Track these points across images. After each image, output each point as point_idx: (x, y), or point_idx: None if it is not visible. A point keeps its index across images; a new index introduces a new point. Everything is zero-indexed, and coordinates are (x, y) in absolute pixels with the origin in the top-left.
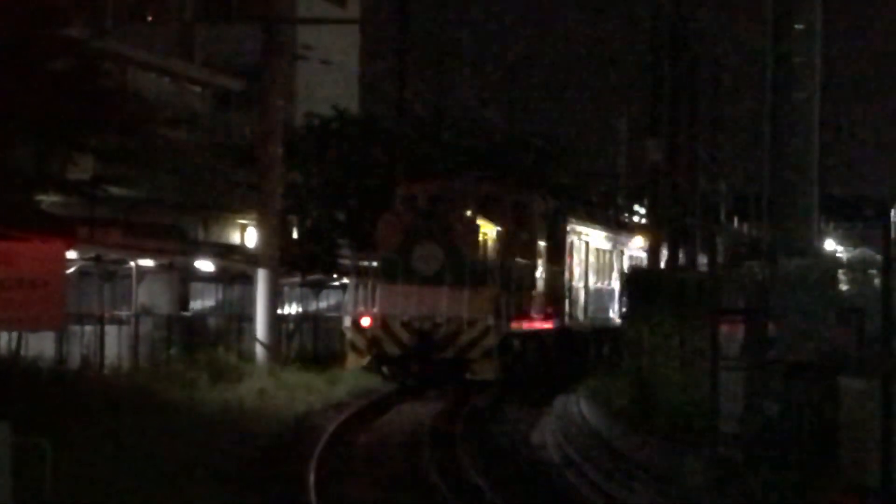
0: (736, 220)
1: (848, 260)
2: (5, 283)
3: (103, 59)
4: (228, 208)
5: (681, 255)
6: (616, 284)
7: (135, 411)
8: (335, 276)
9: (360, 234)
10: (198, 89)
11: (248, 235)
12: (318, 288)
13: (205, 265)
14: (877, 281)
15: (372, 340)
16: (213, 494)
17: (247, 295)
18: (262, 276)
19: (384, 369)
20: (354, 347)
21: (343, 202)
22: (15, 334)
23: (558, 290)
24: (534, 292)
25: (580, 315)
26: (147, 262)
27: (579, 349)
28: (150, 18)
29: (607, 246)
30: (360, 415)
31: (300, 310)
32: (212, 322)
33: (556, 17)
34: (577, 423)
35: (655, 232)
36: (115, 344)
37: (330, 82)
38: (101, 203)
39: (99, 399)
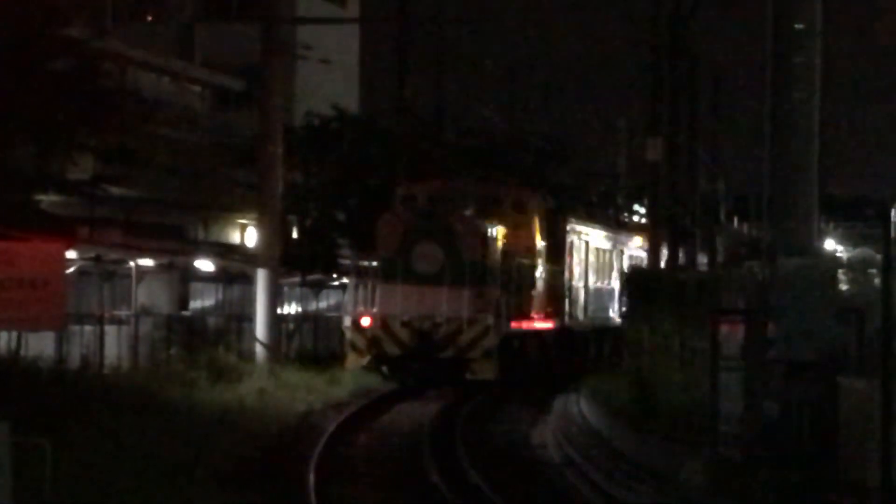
0: (736, 220)
1: (848, 260)
2: (5, 283)
3: (103, 59)
4: (228, 208)
5: (681, 255)
6: (616, 284)
7: (135, 411)
8: (335, 276)
9: (360, 234)
10: (198, 89)
11: (248, 235)
12: (318, 288)
13: (205, 265)
14: (877, 281)
15: (372, 340)
16: (213, 494)
17: (247, 295)
18: (261, 275)
19: (384, 369)
20: (354, 347)
21: (343, 202)
22: (15, 334)
23: (558, 289)
24: (534, 292)
25: (580, 315)
26: (147, 262)
27: (579, 349)
28: (150, 18)
29: (607, 245)
30: (360, 415)
31: (300, 310)
32: (212, 322)
33: (556, 17)
34: (577, 422)
35: (655, 232)
36: (114, 344)
37: (330, 82)
38: (101, 203)
39: (99, 399)
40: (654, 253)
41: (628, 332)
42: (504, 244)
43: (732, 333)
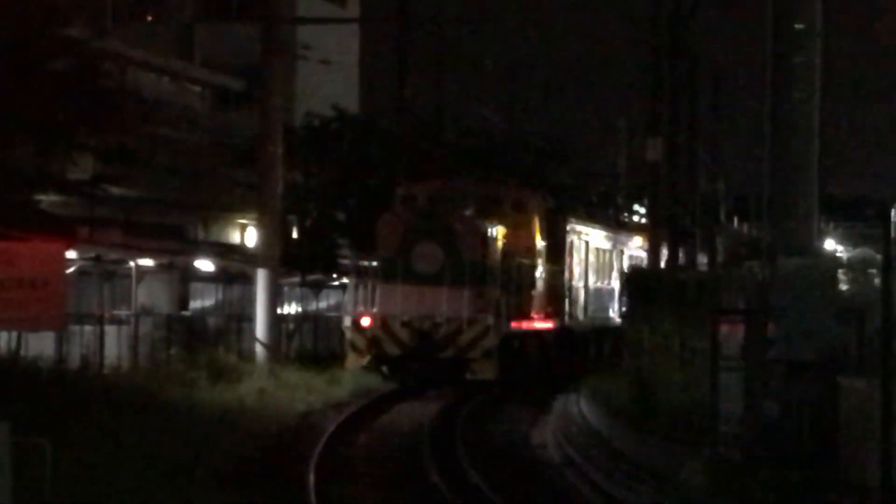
0: (736, 220)
1: (848, 260)
2: (5, 283)
3: (103, 59)
4: (228, 208)
5: (681, 255)
6: (616, 284)
7: (135, 411)
8: (335, 276)
9: (360, 234)
10: (198, 89)
11: (248, 235)
12: (318, 288)
13: (205, 265)
14: (877, 281)
15: (372, 340)
16: (213, 494)
17: (247, 295)
18: (261, 275)
19: (384, 369)
20: (354, 347)
21: (343, 202)
22: (15, 334)
23: (558, 289)
24: (534, 292)
25: (580, 314)
26: (147, 262)
27: (579, 349)
28: (150, 18)
29: (607, 245)
30: (360, 415)
31: (300, 310)
32: (212, 322)
33: (556, 17)
34: (577, 422)
35: (655, 232)
36: (114, 344)
37: (330, 82)
38: (101, 203)
39: (99, 399)
40: (654, 253)
41: (628, 332)
42: (504, 244)
43: (732, 333)
